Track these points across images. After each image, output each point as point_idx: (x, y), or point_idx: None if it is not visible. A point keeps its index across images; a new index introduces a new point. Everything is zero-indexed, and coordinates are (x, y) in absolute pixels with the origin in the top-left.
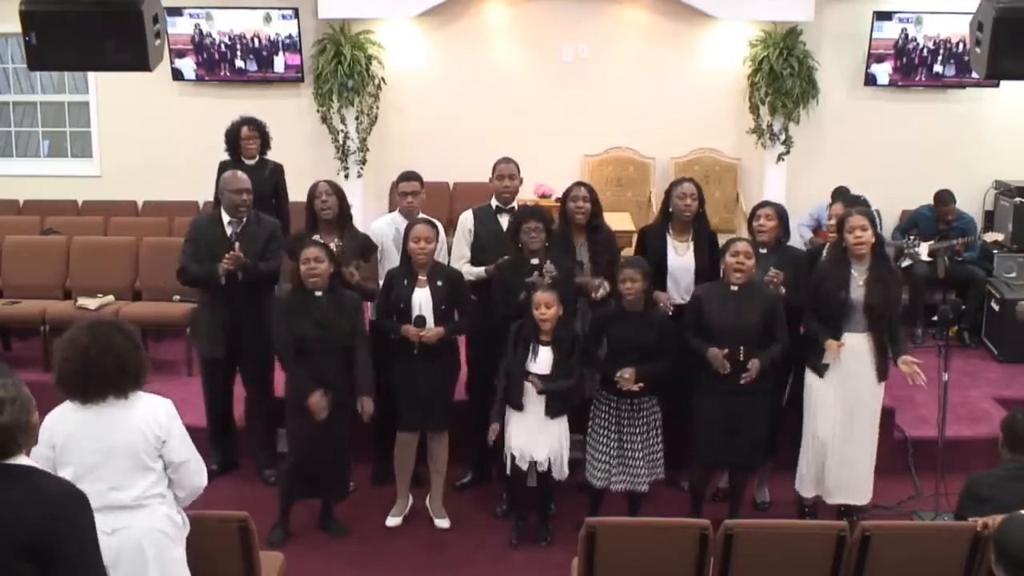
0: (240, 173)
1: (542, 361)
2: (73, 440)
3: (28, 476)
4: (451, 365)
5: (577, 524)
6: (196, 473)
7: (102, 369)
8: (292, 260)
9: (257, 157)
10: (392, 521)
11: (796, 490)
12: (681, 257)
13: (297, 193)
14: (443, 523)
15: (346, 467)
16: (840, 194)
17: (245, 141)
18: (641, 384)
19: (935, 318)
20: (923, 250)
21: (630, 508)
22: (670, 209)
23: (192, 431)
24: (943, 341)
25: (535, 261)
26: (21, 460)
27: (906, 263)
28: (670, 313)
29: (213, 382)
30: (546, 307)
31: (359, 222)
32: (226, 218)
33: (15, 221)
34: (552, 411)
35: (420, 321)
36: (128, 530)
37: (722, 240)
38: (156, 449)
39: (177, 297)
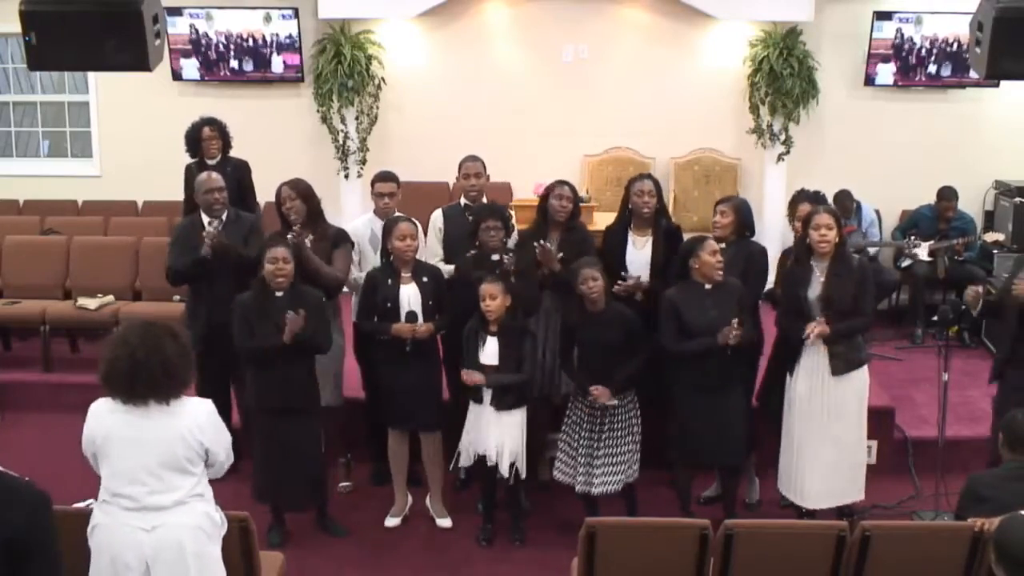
0: (212, 173)
1: (490, 352)
2: (113, 440)
3: None
4: (434, 364)
5: (577, 524)
6: (227, 458)
7: (149, 372)
8: (257, 257)
9: (219, 156)
10: (391, 522)
11: (780, 492)
12: (639, 251)
13: None
14: (445, 522)
15: (322, 471)
16: (805, 194)
17: (207, 142)
18: (615, 400)
19: (935, 318)
20: (923, 250)
21: (626, 507)
22: (629, 206)
23: None
24: (943, 341)
25: (495, 257)
26: None
27: (906, 263)
28: (644, 287)
29: (207, 383)
30: (491, 298)
31: None
32: (205, 219)
33: (15, 221)
34: (501, 404)
35: (412, 317)
36: (167, 528)
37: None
38: (199, 455)
39: (177, 297)
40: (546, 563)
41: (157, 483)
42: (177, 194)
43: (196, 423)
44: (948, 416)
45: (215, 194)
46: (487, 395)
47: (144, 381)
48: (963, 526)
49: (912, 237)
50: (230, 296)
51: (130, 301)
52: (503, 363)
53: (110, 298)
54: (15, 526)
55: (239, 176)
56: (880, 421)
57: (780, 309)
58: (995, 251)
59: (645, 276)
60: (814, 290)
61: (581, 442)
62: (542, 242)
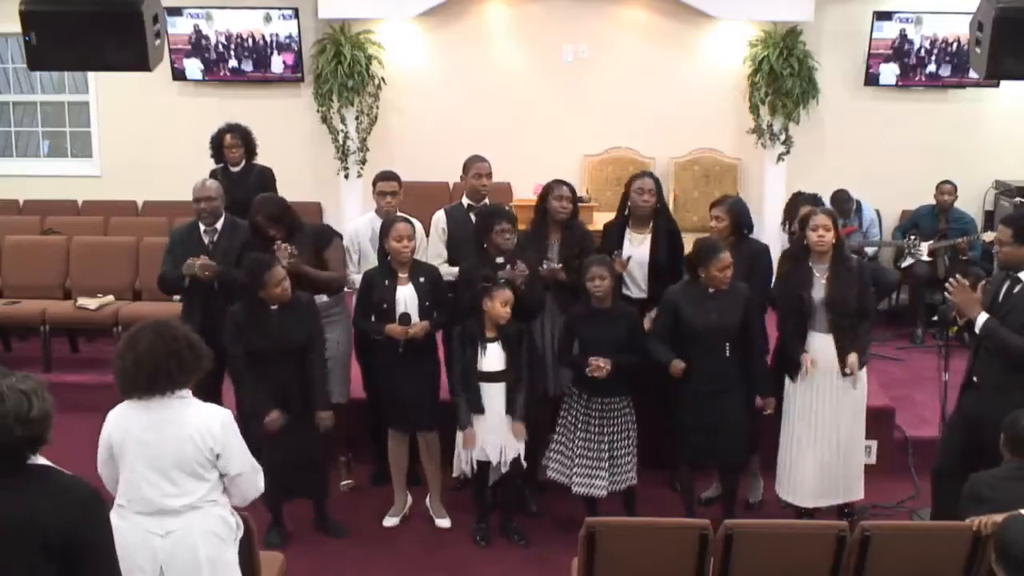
0: (208, 181)
1: (493, 357)
2: (129, 442)
3: (49, 476)
4: (433, 364)
5: (577, 524)
6: (251, 485)
7: (121, 369)
8: (251, 278)
9: (243, 163)
10: (389, 521)
11: (776, 493)
12: (635, 248)
13: (297, 193)
14: (444, 522)
15: (324, 467)
16: (803, 196)
17: (228, 149)
18: (608, 367)
19: (935, 318)
20: (923, 250)
21: (625, 507)
22: (628, 203)
23: None
24: (943, 341)
25: (500, 260)
26: (40, 459)
27: (906, 263)
28: (623, 269)
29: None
30: (510, 305)
31: None
32: (202, 226)
33: (15, 221)
34: (514, 410)
35: (405, 319)
36: (181, 532)
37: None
38: (210, 462)
39: (177, 297)
40: (546, 563)
41: (170, 486)
42: (178, 194)
43: (208, 429)
44: (948, 416)
45: (200, 203)
46: (493, 404)
47: (120, 376)
48: (963, 526)
49: (912, 237)
50: (220, 308)
51: (130, 301)
52: (511, 368)
53: (110, 298)
54: (60, 527)
55: (264, 184)
56: (880, 421)
57: (781, 312)
58: (995, 251)
59: (641, 274)
60: (817, 291)
61: (577, 443)
62: (546, 265)
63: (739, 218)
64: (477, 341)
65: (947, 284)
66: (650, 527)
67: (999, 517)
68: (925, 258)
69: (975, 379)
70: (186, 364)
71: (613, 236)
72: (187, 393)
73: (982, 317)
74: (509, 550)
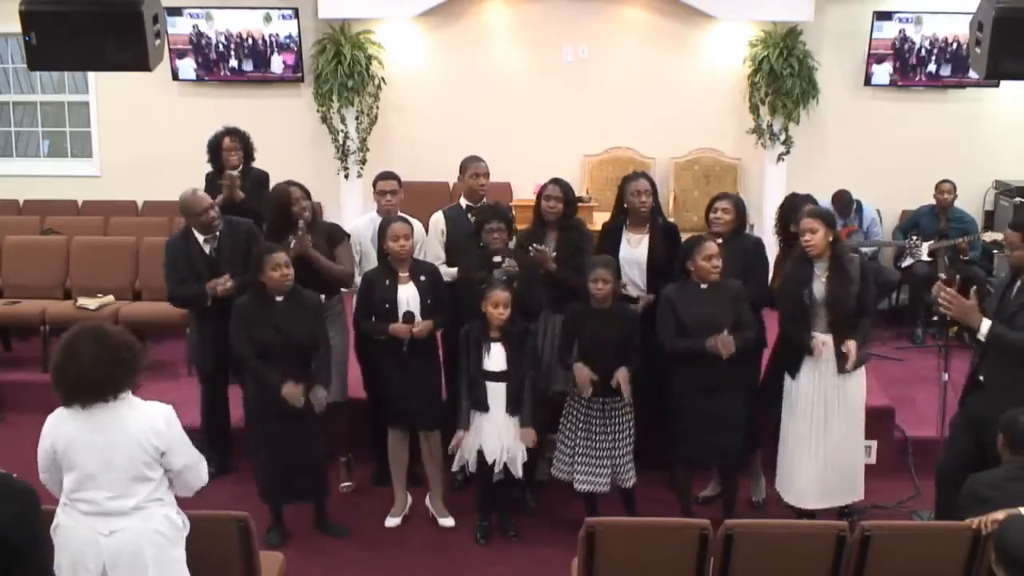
0: (198, 191)
1: (496, 358)
2: (73, 447)
3: None
4: (434, 363)
5: (577, 524)
6: (195, 476)
7: (64, 379)
8: (256, 269)
9: (240, 167)
10: (391, 522)
11: (777, 491)
12: (633, 249)
13: None
14: (447, 521)
15: (324, 466)
16: (796, 196)
17: (227, 152)
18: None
19: (935, 318)
20: (923, 250)
21: (625, 507)
22: (624, 205)
23: (190, 432)
24: (943, 341)
25: (497, 259)
26: None
27: (906, 263)
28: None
29: (210, 388)
30: (504, 307)
31: None
32: (200, 236)
33: (15, 221)
34: (516, 410)
35: (409, 317)
36: (126, 532)
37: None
38: (155, 460)
39: None
40: (546, 563)
41: (116, 488)
42: (177, 194)
43: (151, 427)
44: (948, 416)
45: (209, 213)
46: (496, 403)
47: (62, 387)
48: (963, 526)
49: (913, 237)
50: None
51: (130, 301)
52: (512, 368)
53: (110, 298)
54: (6, 522)
55: (259, 189)
56: (880, 421)
57: (783, 309)
58: (995, 251)
59: (640, 273)
60: (817, 289)
61: (579, 442)
62: (535, 245)
63: (742, 215)
64: (481, 342)
65: (939, 300)
66: (650, 527)
67: (999, 515)
68: (925, 258)
69: (981, 378)
70: (130, 367)
71: (610, 238)
72: (127, 394)
73: (985, 324)
74: (509, 550)
